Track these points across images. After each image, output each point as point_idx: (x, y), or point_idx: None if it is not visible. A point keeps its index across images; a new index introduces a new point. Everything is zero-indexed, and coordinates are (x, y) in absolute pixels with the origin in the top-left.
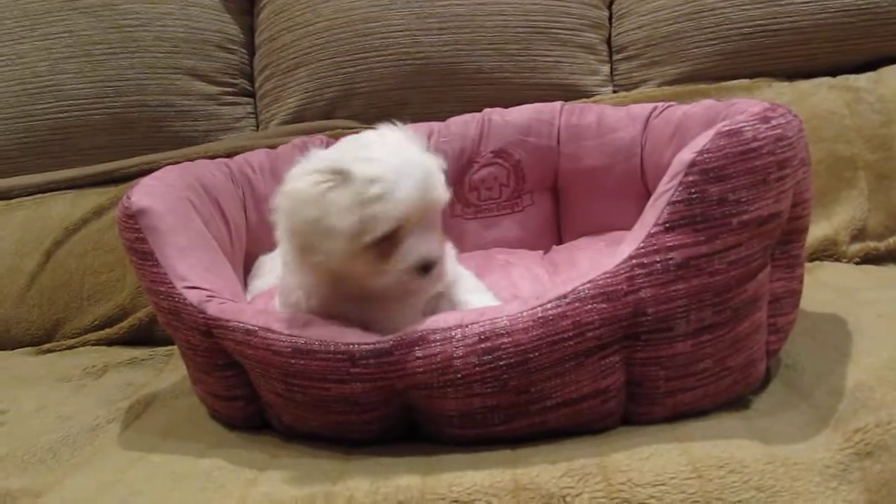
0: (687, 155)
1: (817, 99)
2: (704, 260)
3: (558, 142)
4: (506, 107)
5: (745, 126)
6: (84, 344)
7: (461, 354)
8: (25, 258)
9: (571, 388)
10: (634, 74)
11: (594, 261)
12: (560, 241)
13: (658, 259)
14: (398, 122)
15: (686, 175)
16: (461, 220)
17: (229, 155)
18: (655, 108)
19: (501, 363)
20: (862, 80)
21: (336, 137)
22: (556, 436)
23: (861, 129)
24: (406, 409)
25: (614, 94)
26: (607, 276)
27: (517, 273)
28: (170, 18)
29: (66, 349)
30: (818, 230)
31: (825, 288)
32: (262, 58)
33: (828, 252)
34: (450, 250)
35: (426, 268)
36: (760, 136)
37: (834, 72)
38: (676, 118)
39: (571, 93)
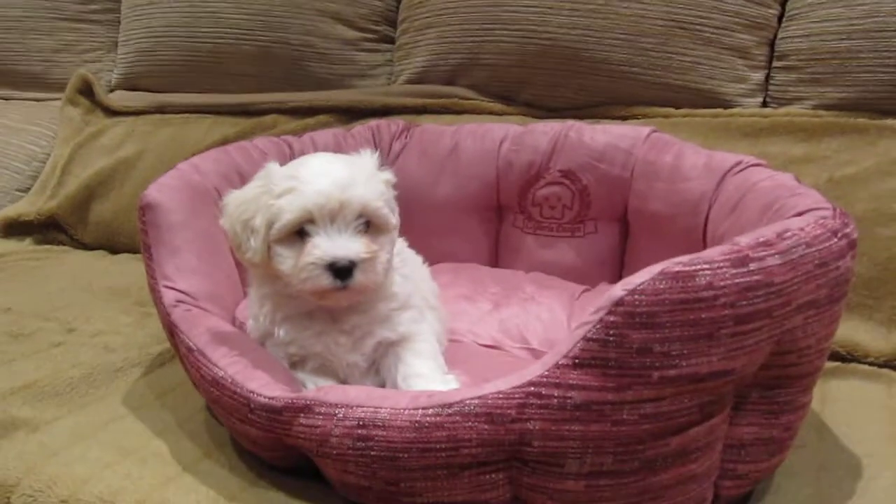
0: (617, 290)
1: None
2: (609, 407)
3: (631, 175)
4: (629, 105)
5: (701, 270)
6: None
7: (338, 434)
8: (160, 173)
9: (444, 494)
10: (790, 89)
11: None
12: (619, 276)
13: (556, 394)
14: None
15: (609, 313)
16: (520, 232)
17: (349, 108)
18: (739, 164)
19: (372, 453)
20: None
21: (452, 107)
22: None
23: None
24: None
25: (761, 108)
26: (499, 396)
27: (536, 312)
28: None
29: None
30: None
31: (884, 413)
32: (403, 9)
33: None
34: (429, 292)
35: (337, 271)
36: (720, 283)
37: None
38: (747, 186)
39: (708, 99)
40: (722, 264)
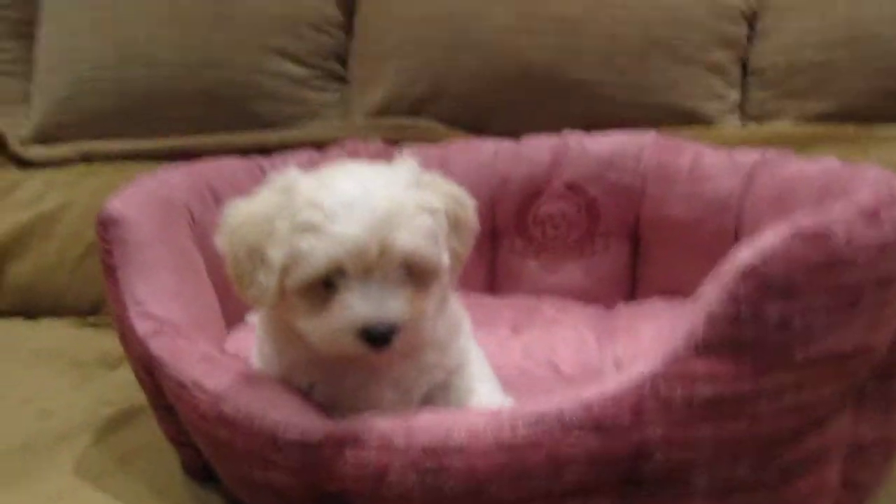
0: (745, 256)
1: None
2: (745, 400)
3: (643, 182)
4: (607, 128)
5: (836, 225)
6: None
7: (399, 467)
8: (90, 227)
9: None
10: (769, 105)
11: (659, 338)
12: (632, 297)
13: (681, 390)
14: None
15: (739, 284)
16: (520, 257)
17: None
18: (764, 157)
19: (448, 486)
20: None
21: (420, 138)
22: None
23: None
24: None
25: (740, 126)
26: (608, 400)
27: (562, 335)
28: None
29: (108, 325)
30: None
31: None
32: (357, 41)
33: None
34: (463, 323)
35: (369, 336)
36: (857, 241)
37: None
38: (786, 175)
39: (689, 119)
40: (856, 221)
